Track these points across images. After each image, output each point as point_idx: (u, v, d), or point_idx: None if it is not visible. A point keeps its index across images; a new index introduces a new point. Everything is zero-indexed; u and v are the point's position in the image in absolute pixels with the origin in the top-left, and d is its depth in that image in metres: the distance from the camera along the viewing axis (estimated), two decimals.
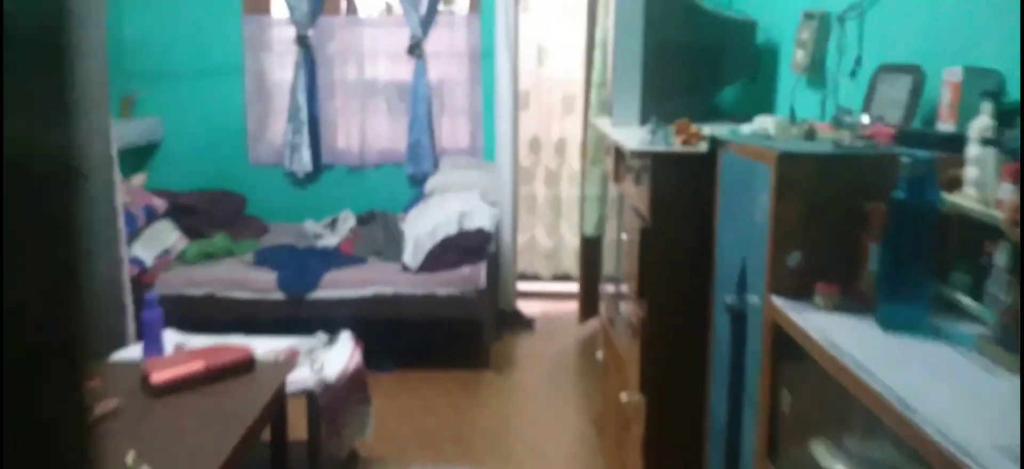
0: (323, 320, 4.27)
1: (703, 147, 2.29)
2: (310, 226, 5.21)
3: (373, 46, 5.42)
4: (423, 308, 4.22)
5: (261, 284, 4.22)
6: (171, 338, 3.13)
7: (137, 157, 5.44)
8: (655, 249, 2.34)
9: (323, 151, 5.48)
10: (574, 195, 5.67)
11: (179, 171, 5.48)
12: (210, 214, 4.84)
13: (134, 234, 4.18)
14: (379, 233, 4.78)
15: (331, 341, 3.12)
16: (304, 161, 5.41)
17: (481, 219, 4.33)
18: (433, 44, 5.36)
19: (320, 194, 5.56)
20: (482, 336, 4.33)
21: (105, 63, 3.75)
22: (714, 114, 3.32)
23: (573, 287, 5.57)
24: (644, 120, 3.20)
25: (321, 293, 4.21)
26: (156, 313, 2.97)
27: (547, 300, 5.65)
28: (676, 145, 2.34)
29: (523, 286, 5.44)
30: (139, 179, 4.93)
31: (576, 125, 5.59)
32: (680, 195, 2.30)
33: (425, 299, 4.21)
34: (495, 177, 4.93)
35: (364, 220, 5.13)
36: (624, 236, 2.65)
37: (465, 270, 4.23)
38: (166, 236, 4.46)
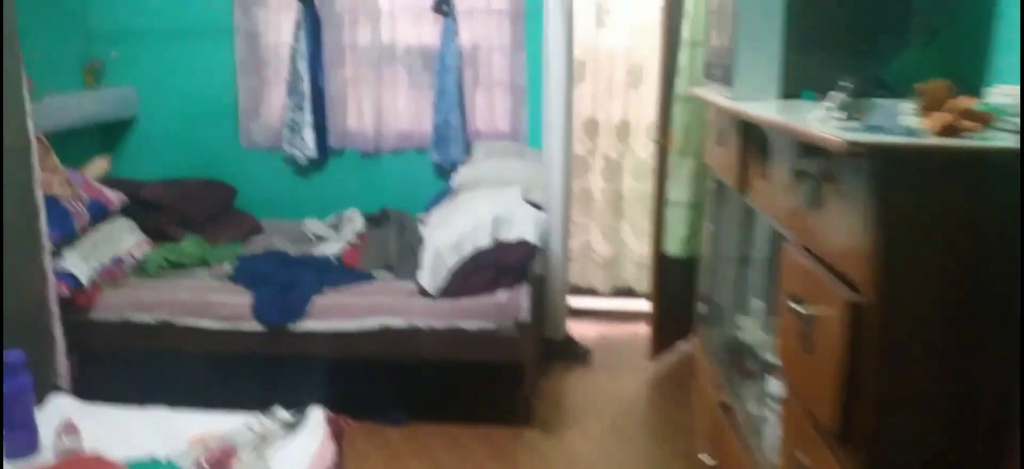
0: (310, 360, 3.18)
1: (1004, 140, 1.10)
2: (310, 225, 4.10)
3: (391, 2, 4.28)
4: (445, 345, 3.08)
5: (231, 310, 3.11)
6: (57, 409, 2.04)
7: (104, 137, 4.37)
8: (888, 354, 1.15)
9: (330, 132, 4.36)
10: (639, 191, 4.47)
11: (155, 155, 4.41)
12: (182, 211, 3.75)
13: (67, 239, 3.11)
14: (392, 239, 3.65)
15: (294, 424, 2.00)
16: (306, 145, 4.30)
17: (523, 227, 3.16)
18: (465, 0, 4.21)
19: (325, 185, 4.45)
20: (523, 383, 3.18)
21: (13, 15, 2.65)
22: (879, 87, 2.11)
23: (640, 305, 4.40)
24: (787, 91, 2.01)
25: (310, 323, 3.09)
26: (20, 383, 1.88)
27: (606, 321, 4.47)
28: (929, 135, 1.15)
29: (575, 301, 4.28)
30: (98, 165, 3.86)
31: (644, 103, 4.38)
32: (945, 237, 1.11)
33: (448, 334, 3.07)
34: (542, 169, 3.77)
35: (375, 220, 4.00)
36: (792, 306, 1.44)
37: (501, 296, 3.07)
38: (119, 240, 3.39)
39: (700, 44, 2.98)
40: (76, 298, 3.02)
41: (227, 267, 3.46)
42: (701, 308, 2.69)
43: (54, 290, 2.84)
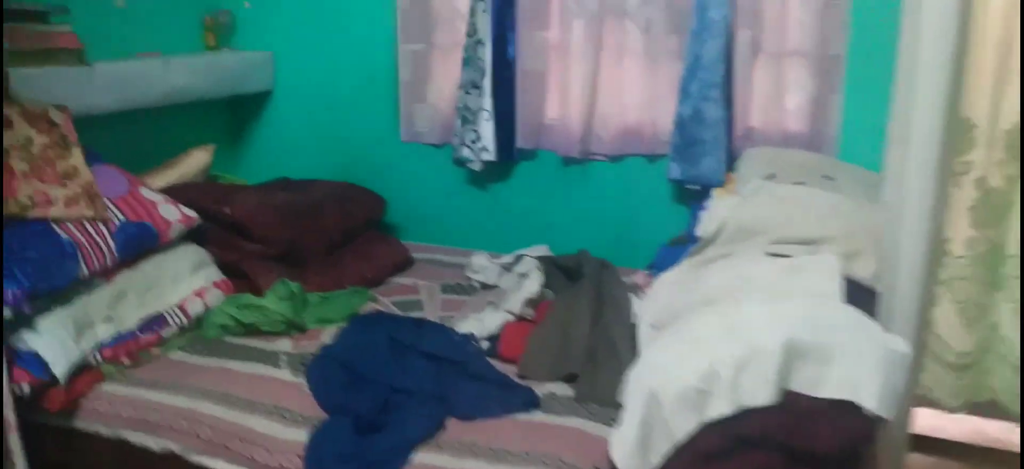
0: None
1: None
2: (478, 262, 2.61)
3: None
4: None
5: (275, 447, 1.70)
6: None
7: (231, 115, 3.21)
8: None
9: (519, 125, 2.83)
10: None
11: (291, 144, 3.16)
12: (289, 237, 2.42)
13: (59, 292, 1.87)
14: (581, 317, 2.01)
15: None
16: (482, 142, 2.80)
17: (854, 371, 1.37)
18: None
19: (505, 203, 2.93)
20: None
21: None
22: None
23: (1014, 434, 2.39)
24: None
25: None
26: None
27: (957, 458, 2.52)
28: None
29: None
30: (193, 160, 2.66)
31: None
32: None
33: None
34: (872, 210, 1.94)
35: (565, 270, 2.39)
36: None
37: None
38: (169, 285, 2.13)
39: None
40: (44, 398, 1.77)
41: (315, 345, 2.06)
42: None
43: (8, 385, 1.62)
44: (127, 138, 2.63)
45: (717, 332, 1.39)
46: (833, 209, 1.98)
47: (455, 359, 1.92)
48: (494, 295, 2.36)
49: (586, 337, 1.93)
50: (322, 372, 1.88)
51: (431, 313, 2.32)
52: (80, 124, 2.11)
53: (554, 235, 2.77)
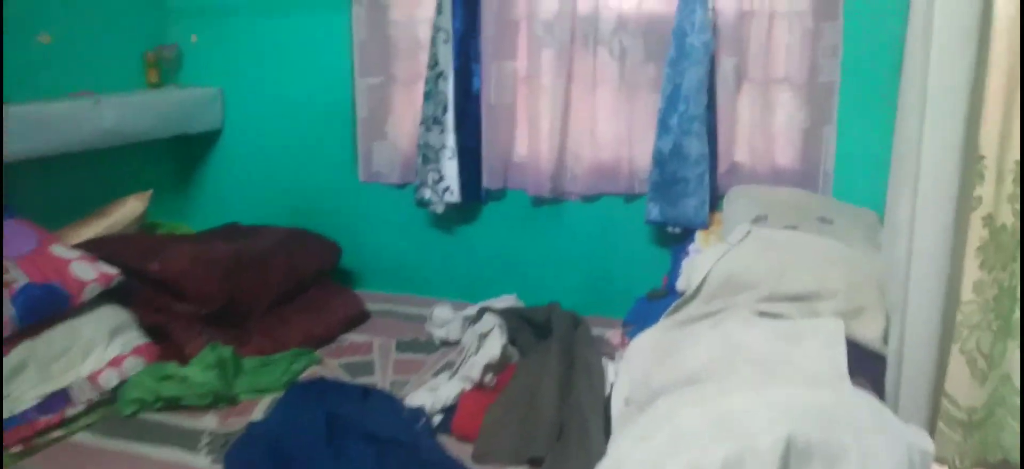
0: None
1: None
2: (441, 316, 2.33)
3: None
4: None
5: None
6: None
7: (176, 156, 2.95)
8: None
9: (486, 164, 2.58)
10: None
11: (242, 187, 2.90)
12: (226, 291, 2.15)
13: None
14: (548, 387, 1.74)
15: None
16: (448, 182, 2.55)
17: None
18: None
19: (474, 246, 2.67)
20: None
21: None
22: None
23: None
24: None
25: None
26: None
27: None
28: None
29: None
30: (128, 208, 2.40)
31: None
32: None
33: None
34: (874, 259, 1.70)
35: (534, 325, 2.12)
36: None
37: None
38: (78, 356, 1.85)
39: None
40: None
41: (243, 418, 1.79)
42: None
43: None
44: (53, 187, 2.37)
45: (703, 425, 1.12)
46: (832, 258, 1.72)
47: (401, 439, 1.64)
48: (455, 353, 2.10)
49: (553, 412, 1.66)
50: (243, 457, 1.61)
51: (382, 377, 2.05)
52: None
53: (524, 282, 2.51)
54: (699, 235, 2.24)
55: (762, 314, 1.61)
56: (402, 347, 2.24)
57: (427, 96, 2.51)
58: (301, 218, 2.72)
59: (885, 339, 1.64)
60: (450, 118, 2.50)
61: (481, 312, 2.25)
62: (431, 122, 2.51)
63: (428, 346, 2.24)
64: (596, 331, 2.23)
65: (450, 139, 2.51)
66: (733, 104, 2.31)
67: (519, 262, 2.59)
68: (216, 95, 2.83)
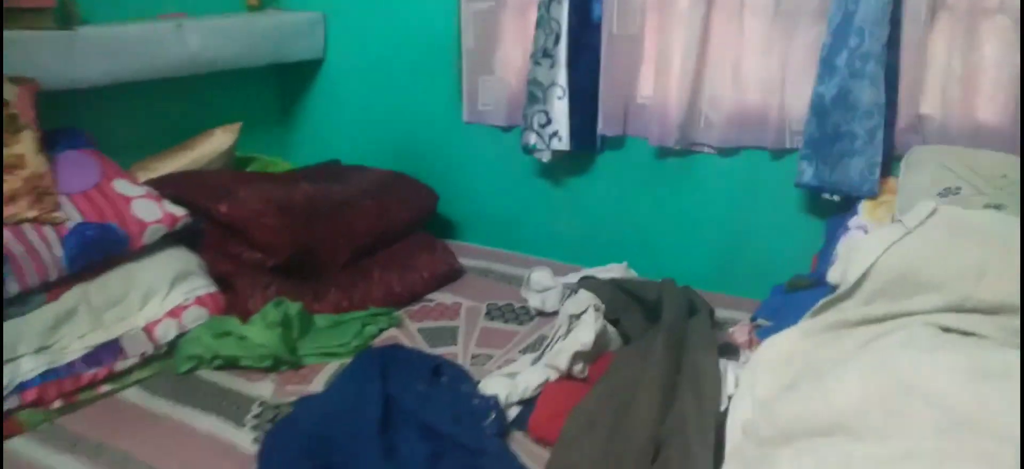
0: None
1: None
2: (540, 281, 2.02)
3: None
4: None
5: None
6: None
7: (278, 87, 2.78)
8: None
9: (603, 106, 2.20)
10: None
11: (341, 123, 2.70)
12: (297, 239, 1.95)
13: None
14: (644, 405, 1.39)
15: None
16: (557, 126, 2.21)
17: None
18: None
19: (585, 202, 2.32)
20: None
21: None
22: None
23: None
24: None
25: None
26: None
27: None
28: None
29: None
30: (215, 141, 2.25)
31: None
32: None
33: None
34: None
35: (643, 305, 1.76)
36: None
37: None
38: (134, 301, 1.71)
39: None
40: None
41: (305, 390, 1.59)
42: None
43: None
44: (136, 117, 2.26)
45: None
46: None
47: (462, 441, 1.37)
48: (549, 327, 1.79)
49: (650, 427, 1.32)
50: (283, 441, 1.39)
51: (464, 349, 1.78)
52: (67, 100, 1.73)
53: (640, 248, 2.15)
54: (864, 207, 1.78)
55: (947, 329, 1.17)
56: (492, 313, 1.96)
57: (539, 23, 2.16)
58: (403, 159, 2.49)
59: None
60: (562, 50, 2.14)
61: (583, 281, 1.91)
62: (541, 55, 2.17)
63: (521, 315, 1.95)
64: (723, 314, 1.85)
65: (561, 75, 2.16)
66: (923, 40, 1.79)
67: (636, 224, 2.22)
68: (318, 20, 2.61)
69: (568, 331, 1.61)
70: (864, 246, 1.34)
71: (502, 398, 1.51)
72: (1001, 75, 1.76)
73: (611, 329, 1.69)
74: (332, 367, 1.71)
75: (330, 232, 2.04)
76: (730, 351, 1.55)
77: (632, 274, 2.01)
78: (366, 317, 1.88)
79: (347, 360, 1.69)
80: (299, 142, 2.76)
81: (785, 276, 1.78)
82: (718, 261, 2.11)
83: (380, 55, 2.56)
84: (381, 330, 1.86)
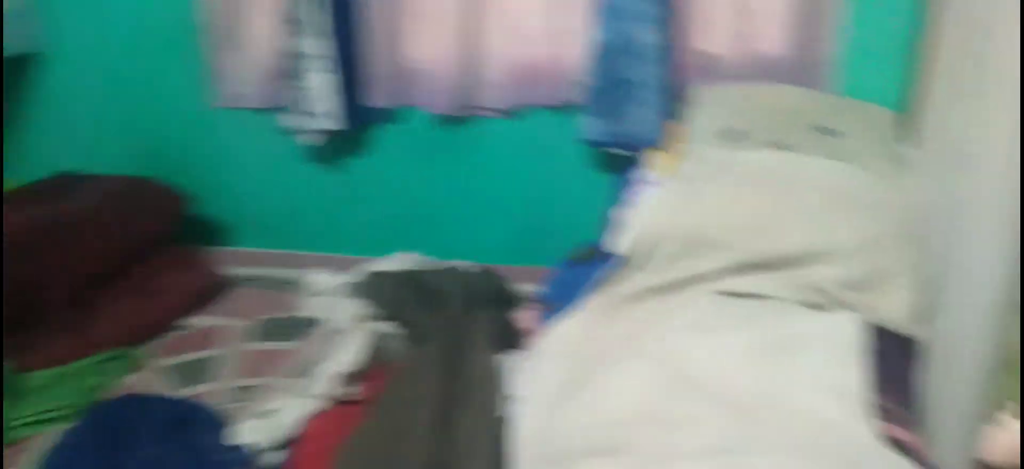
0: None
1: None
2: (319, 283, 1.75)
3: None
4: None
5: None
6: None
7: None
8: None
9: (370, 75, 1.95)
10: None
11: (66, 125, 2.26)
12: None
13: None
14: (415, 429, 1.19)
15: None
16: (321, 103, 1.93)
17: None
18: None
19: (357, 188, 2.06)
20: None
21: None
22: None
23: None
24: None
25: None
26: None
27: None
28: None
29: None
30: None
31: None
32: None
33: None
34: (903, 178, 1.13)
35: (427, 292, 1.55)
36: None
37: None
38: None
39: None
40: None
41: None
42: None
43: None
44: None
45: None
46: (838, 197, 1.14)
47: None
48: (325, 338, 1.53)
49: (427, 455, 1.10)
50: None
51: (224, 384, 1.49)
52: None
53: (431, 229, 1.93)
54: (654, 158, 1.65)
55: (731, 294, 1.04)
56: (261, 332, 1.68)
57: None
58: (146, 161, 2.10)
59: (917, 316, 1.08)
60: (319, 14, 1.86)
61: (368, 278, 1.67)
62: (293, 20, 1.87)
63: (296, 327, 1.68)
64: (530, 290, 1.67)
65: (320, 43, 1.87)
66: None
67: (424, 203, 1.99)
68: (25, 6, 2.14)
69: (332, 350, 1.36)
70: (644, 210, 1.19)
71: (260, 444, 1.25)
72: (781, 5, 1.68)
73: (395, 332, 1.46)
74: (52, 437, 1.36)
75: (44, 267, 1.65)
76: (521, 339, 1.37)
77: (427, 261, 1.79)
78: (95, 365, 1.54)
79: (70, 424, 1.36)
80: (17, 154, 2.29)
81: (588, 239, 1.63)
82: (516, 233, 1.94)
83: (109, 41, 2.13)
84: (115, 378, 1.53)
